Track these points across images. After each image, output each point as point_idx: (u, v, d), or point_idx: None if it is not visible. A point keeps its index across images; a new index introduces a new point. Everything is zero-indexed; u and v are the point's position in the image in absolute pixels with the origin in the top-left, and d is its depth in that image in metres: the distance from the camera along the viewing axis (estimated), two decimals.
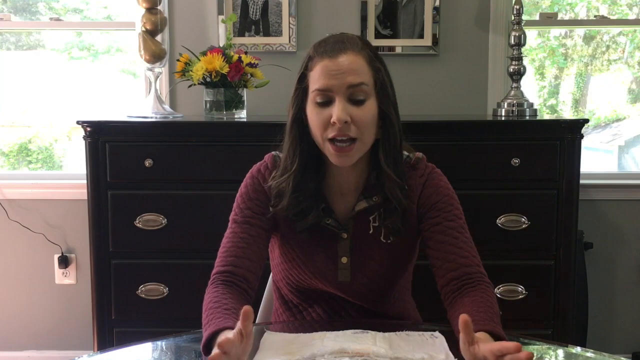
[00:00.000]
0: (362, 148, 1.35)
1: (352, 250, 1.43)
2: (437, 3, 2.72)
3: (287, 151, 1.40)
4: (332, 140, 1.32)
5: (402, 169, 1.41)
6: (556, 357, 1.32)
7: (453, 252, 1.36)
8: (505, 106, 2.50)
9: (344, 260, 1.43)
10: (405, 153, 1.46)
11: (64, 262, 2.85)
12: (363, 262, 1.44)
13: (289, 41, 2.75)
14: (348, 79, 1.30)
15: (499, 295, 2.26)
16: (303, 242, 1.44)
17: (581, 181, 2.26)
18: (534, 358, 0.98)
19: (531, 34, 3.01)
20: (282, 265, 1.49)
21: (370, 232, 1.43)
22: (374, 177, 1.41)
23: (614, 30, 3.07)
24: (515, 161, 2.22)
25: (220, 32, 2.73)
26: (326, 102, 1.32)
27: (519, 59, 2.51)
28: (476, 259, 1.37)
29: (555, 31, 3.08)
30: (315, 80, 1.33)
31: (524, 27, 2.51)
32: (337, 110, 1.30)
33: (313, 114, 1.34)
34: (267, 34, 2.76)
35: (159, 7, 2.48)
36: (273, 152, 1.49)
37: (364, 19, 2.73)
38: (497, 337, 1.16)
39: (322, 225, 1.42)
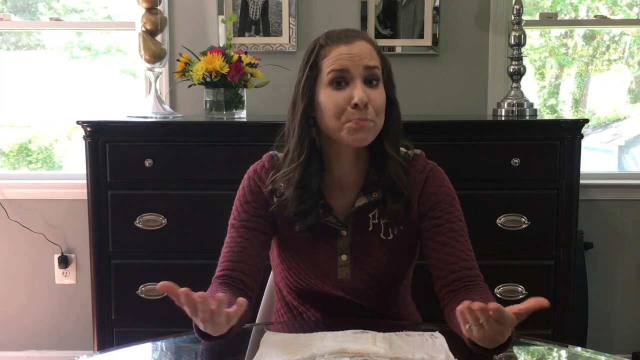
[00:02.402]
0: (375, 130, 1.37)
1: (351, 247, 1.43)
2: (437, 3, 2.72)
3: (296, 142, 1.39)
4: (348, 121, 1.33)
5: (402, 157, 1.43)
6: (556, 357, 1.32)
7: (455, 255, 1.37)
8: (505, 106, 2.50)
9: (344, 257, 1.43)
10: (404, 150, 1.46)
11: (64, 262, 2.85)
12: (363, 260, 1.44)
13: (289, 41, 2.75)
14: (364, 61, 1.33)
15: (498, 295, 2.26)
16: (302, 241, 1.44)
17: (581, 181, 2.26)
18: (534, 359, 0.98)
19: (534, 34, 3.01)
20: (281, 265, 1.49)
21: (370, 229, 1.43)
22: (373, 173, 1.41)
23: (614, 30, 3.07)
24: (515, 161, 2.22)
25: (220, 32, 2.73)
26: (342, 84, 1.34)
27: (519, 59, 2.51)
28: (475, 263, 1.38)
29: (556, 31, 3.08)
30: (330, 64, 1.34)
31: (524, 27, 2.51)
32: (358, 92, 1.32)
33: (328, 98, 1.34)
34: (267, 34, 2.76)
35: (159, 7, 2.48)
36: (271, 152, 1.49)
37: (364, 19, 2.73)
38: None
39: (322, 222, 1.42)
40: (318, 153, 1.40)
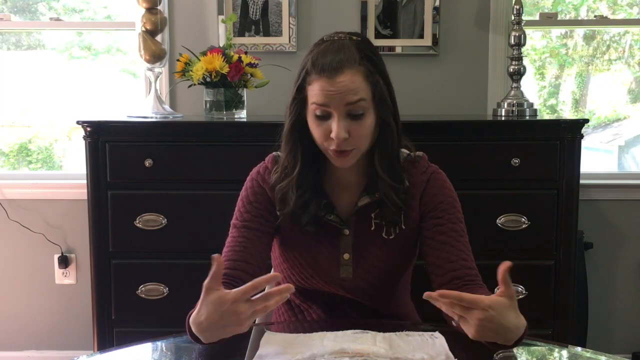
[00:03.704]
0: (359, 154, 1.38)
1: (354, 246, 1.44)
2: (437, 3, 2.72)
3: (287, 156, 1.41)
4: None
5: (399, 171, 1.42)
6: (556, 357, 1.32)
7: (455, 254, 1.37)
8: (505, 106, 2.50)
9: (346, 256, 1.44)
10: (406, 151, 1.47)
11: (64, 262, 2.85)
12: (365, 259, 1.44)
13: (289, 41, 2.75)
14: (346, 98, 1.30)
15: None
16: (304, 240, 1.44)
17: (581, 181, 2.26)
18: (534, 359, 0.98)
19: (535, 35, 3.01)
20: (283, 265, 1.50)
21: (372, 228, 1.44)
22: (374, 174, 1.42)
23: (615, 30, 3.07)
24: (515, 161, 2.22)
25: (220, 32, 2.73)
26: (325, 116, 1.33)
27: (519, 59, 2.51)
28: (474, 264, 1.40)
29: (556, 31, 3.08)
30: (314, 95, 1.33)
31: (524, 27, 2.51)
32: (336, 128, 1.31)
33: (313, 125, 1.36)
34: (267, 34, 2.76)
35: (159, 7, 2.47)
36: (274, 153, 1.49)
37: (364, 19, 2.73)
38: None
39: (324, 221, 1.42)
40: (314, 157, 1.41)
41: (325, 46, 1.35)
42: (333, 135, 1.31)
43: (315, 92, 1.32)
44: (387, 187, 1.39)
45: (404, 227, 1.43)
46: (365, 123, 1.34)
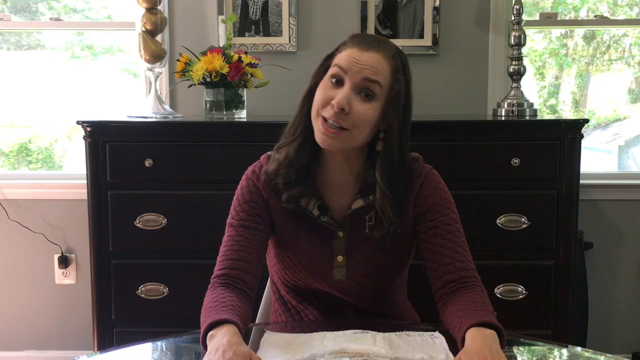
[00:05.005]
0: (348, 140, 1.35)
1: (347, 248, 1.44)
2: (437, 3, 2.72)
3: (294, 118, 1.42)
4: (324, 119, 1.33)
5: (398, 184, 1.40)
6: (556, 357, 1.32)
7: (450, 256, 1.37)
8: (505, 106, 2.50)
9: (340, 258, 1.44)
10: None
11: (64, 262, 2.85)
12: (359, 261, 1.44)
13: (289, 41, 2.75)
14: (366, 72, 1.32)
15: (498, 295, 2.26)
16: (299, 241, 1.44)
17: (581, 181, 2.26)
18: (534, 359, 0.98)
19: (536, 36, 3.01)
20: (278, 265, 1.50)
21: (366, 230, 1.43)
22: (371, 176, 1.41)
23: (615, 30, 3.07)
24: (515, 161, 2.22)
25: (220, 32, 2.73)
26: (337, 81, 1.34)
27: (519, 59, 2.51)
28: (471, 264, 1.39)
29: (556, 31, 3.09)
30: (338, 59, 1.35)
31: (524, 27, 2.51)
32: (340, 95, 1.31)
33: (321, 87, 1.36)
34: (267, 34, 2.76)
35: (159, 7, 2.47)
36: (268, 152, 1.49)
37: (364, 19, 2.73)
38: (494, 328, 1.18)
39: (318, 223, 1.42)
40: (312, 137, 1.39)
41: (366, 33, 1.41)
42: (335, 100, 1.31)
43: (342, 56, 1.35)
44: (384, 199, 1.38)
45: (398, 231, 1.43)
46: (370, 108, 1.33)
